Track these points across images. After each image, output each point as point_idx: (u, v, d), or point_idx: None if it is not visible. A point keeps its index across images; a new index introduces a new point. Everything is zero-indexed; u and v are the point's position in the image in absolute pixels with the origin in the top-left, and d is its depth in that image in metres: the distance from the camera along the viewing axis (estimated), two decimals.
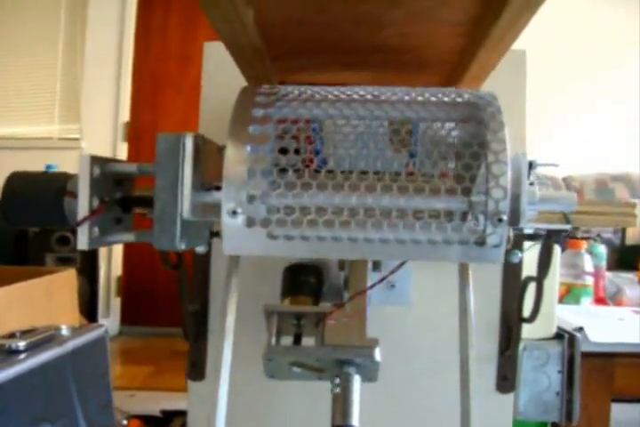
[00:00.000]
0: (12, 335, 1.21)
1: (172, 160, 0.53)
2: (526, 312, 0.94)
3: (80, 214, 0.54)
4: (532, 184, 0.54)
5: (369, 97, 0.54)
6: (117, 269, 3.53)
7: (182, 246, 0.54)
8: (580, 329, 1.87)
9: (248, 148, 0.46)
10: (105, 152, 3.51)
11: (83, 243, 0.55)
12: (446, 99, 0.54)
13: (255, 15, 0.61)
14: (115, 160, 0.59)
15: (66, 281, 2.05)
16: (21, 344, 1.19)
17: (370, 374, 0.65)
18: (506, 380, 1.07)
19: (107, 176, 0.58)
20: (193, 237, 0.57)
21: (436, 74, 0.78)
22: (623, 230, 3.22)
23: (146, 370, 2.81)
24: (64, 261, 2.98)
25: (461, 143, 0.52)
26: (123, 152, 3.54)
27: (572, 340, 1.17)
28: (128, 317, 3.53)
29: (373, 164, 0.56)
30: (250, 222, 0.46)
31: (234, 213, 0.46)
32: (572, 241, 1.93)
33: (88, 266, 3.07)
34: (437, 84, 0.78)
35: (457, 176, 0.53)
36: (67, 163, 3.32)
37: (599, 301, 2.37)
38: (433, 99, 0.54)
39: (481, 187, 0.50)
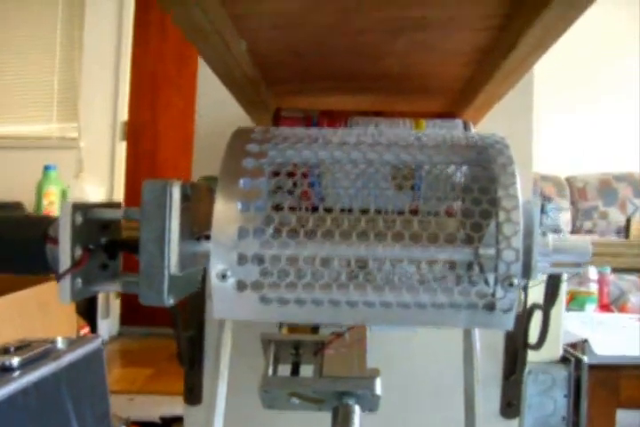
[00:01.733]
0: (5, 351, 1.18)
1: (157, 211, 0.49)
2: (532, 337, 0.91)
3: (61, 267, 0.51)
4: (543, 234, 0.51)
5: (370, 141, 0.50)
6: None
7: (171, 302, 0.50)
8: (585, 342, 1.84)
9: (239, 204, 0.43)
10: (103, 151, 3.48)
11: (65, 297, 0.51)
12: (452, 141, 0.50)
13: (248, 46, 0.58)
14: (99, 205, 0.56)
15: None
16: (15, 361, 1.16)
17: (370, 405, 0.63)
18: (511, 405, 1.05)
19: (91, 222, 0.54)
20: (183, 287, 0.54)
21: (440, 100, 0.74)
22: (627, 230, 3.19)
23: (145, 372, 2.79)
24: None
25: (468, 187, 0.49)
26: (121, 151, 3.50)
27: (578, 363, 1.13)
28: (127, 317, 3.50)
29: (374, 202, 0.53)
30: (241, 286, 0.42)
31: (223, 276, 0.42)
32: None
33: None
34: (441, 110, 0.75)
35: (462, 223, 0.50)
36: (65, 162, 3.29)
37: (603, 307, 2.35)
38: (438, 141, 0.51)
39: (489, 239, 0.47)
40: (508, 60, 0.53)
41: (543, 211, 0.57)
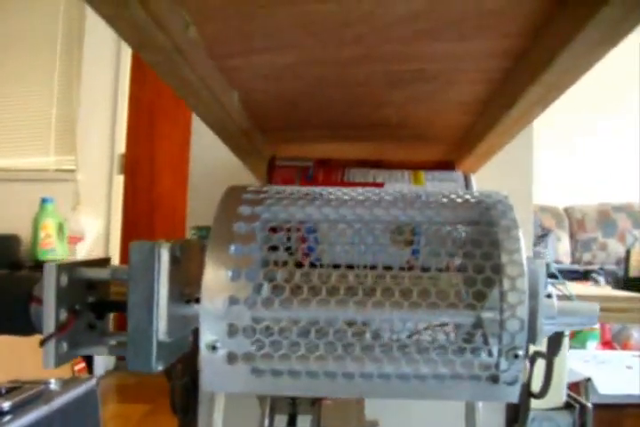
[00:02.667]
0: None
1: (145, 274, 0.47)
2: (535, 384, 0.88)
3: (45, 331, 0.49)
4: (549, 296, 0.48)
5: (368, 200, 0.49)
6: None
7: (159, 368, 0.48)
8: (588, 380, 1.80)
9: (229, 273, 0.41)
10: (101, 184, 3.47)
11: (49, 363, 0.49)
12: (453, 201, 0.49)
13: (240, 95, 0.56)
14: (86, 263, 0.54)
15: None
16: (6, 405, 1.13)
17: None
18: None
19: (77, 282, 0.52)
20: (173, 351, 0.51)
21: (439, 147, 0.72)
22: (626, 262, 3.16)
23: (142, 409, 2.73)
24: None
25: (470, 252, 0.47)
26: (119, 184, 3.50)
27: (582, 410, 1.10)
28: None
29: (373, 259, 0.51)
30: (231, 358, 0.40)
31: (213, 347, 0.40)
32: (577, 282, 1.87)
33: None
34: (441, 158, 0.73)
35: (465, 286, 0.48)
36: (62, 195, 3.27)
37: (606, 344, 2.31)
38: (438, 200, 0.49)
39: (493, 302, 0.44)
40: (508, 114, 0.51)
41: (547, 269, 0.55)
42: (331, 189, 0.50)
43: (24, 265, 2.86)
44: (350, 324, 0.46)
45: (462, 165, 0.73)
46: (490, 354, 0.42)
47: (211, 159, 1.03)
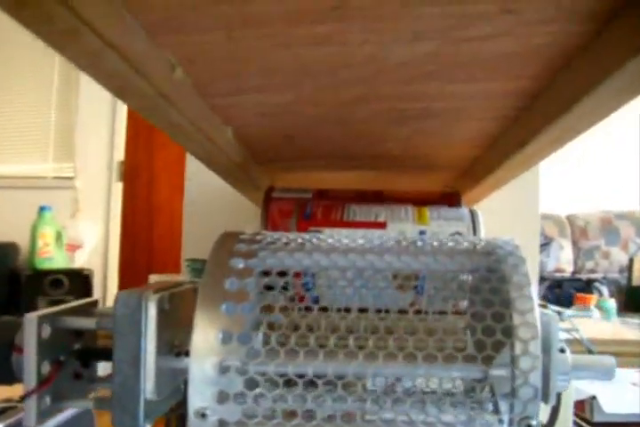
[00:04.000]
0: None
1: (132, 329, 0.44)
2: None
3: (26, 386, 0.45)
4: (562, 351, 0.45)
5: (369, 245, 0.45)
6: None
7: (147, 426, 0.45)
8: (594, 398, 1.77)
9: (220, 335, 0.38)
10: (99, 191, 3.44)
11: (30, 420, 0.46)
12: (457, 247, 0.45)
13: (235, 130, 0.53)
14: (70, 311, 0.50)
15: None
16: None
17: None
18: None
19: (60, 331, 0.49)
20: (162, 406, 0.48)
21: (444, 177, 0.69)
22: (630, 271, 3.13)
23: None
24: (57, 305, 2.86)
25: (479, 311, 0.44)
26: (117, 191, 3.46)
27: None
28: None
29: (374, 303, 0.48)
30: (222, 426, 0.37)
31: (202, 415, 0.37)
32: (579, 296, 1.84)
33: None
34: (445, 186, 0.70)
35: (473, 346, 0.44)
36: (61, 202, 3.24)
37: None
38: (442, 247, 0.45)
39: (504, 358, 0.41)
40: (521, 151, 0.48)
41: (560, 318, 0.52)
42: (330, 237, 0.47)
43: (22, 273, 2.83)
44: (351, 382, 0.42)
45: (468, 194, 0.70)
46: (497, 411, 0.39)
47: (206, 177, 0.99)
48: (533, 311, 0.39)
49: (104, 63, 0.30)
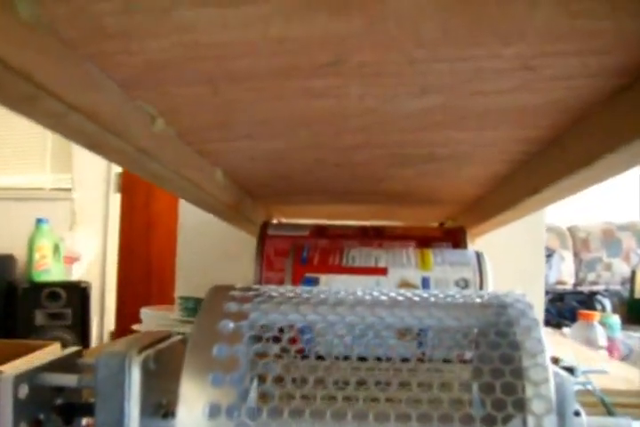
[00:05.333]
0: None
1: (114, 393, 0.41)
2: None
3: None
4: (577, 414, 0.41)
5: (369, 299, 0.42)
6: (110, 323, 3.39)
7: None
8: None
9: (206, 409, 0.34)
10: (97, 203, 3.41)
11: None
12: (464, 300, 0.42)
13: (225, 171, 0.50)
14: (50, 366, 0.47)
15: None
16: None
17: None
18: None
19: (40, 389, 0.45)
20: None
21: (447, 210, 0.65)
22: (632, 283, 3.09)
23: None
24: (54, 318, 2.84)
25: (488, 382, 0.40)
26: (115, 203, 3.43)
27: None
28: None
29: (373, 353, 0.44)
30: None
31: None
32: (583, 313, 1.80)
33: (79, 321, 2.94)
34: (448, 218, 0.66)
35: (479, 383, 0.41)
36: (59, 214, 3.21)
37: None
38: (448, 300, 0.42)
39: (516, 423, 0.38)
40: (532, 198, 0.45)
41: (574, 374, 0.48)
42: (330, 289, 0.43)
43: (19, 286, 2.79)
44: None
45: (474, 229, 0.66)
46: None
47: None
48: (548, 382, 0.35)
49: (70, 124, 0.26)
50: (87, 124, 0.27)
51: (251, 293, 0.43)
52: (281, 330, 0.42)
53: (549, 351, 0.38)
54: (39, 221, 2.93)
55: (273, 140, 0.38)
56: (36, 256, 2.90)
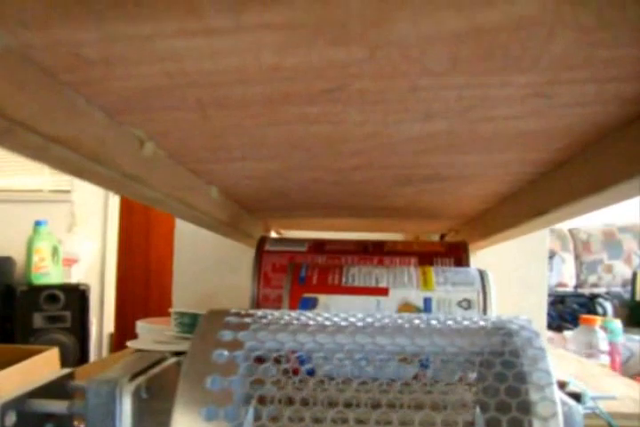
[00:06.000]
0: None
1: (105, 421, 0.40)
2: None
3: None
4: None
5: (368, 324, 0.40)
6: (109, 325, 3.37)
7: None
8: None
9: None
10: (96, 205, 3.39)
11: None
12: (467, 326, 0.40)
13: (221, 189, 0.48)
14: (39, 392, 0.45)
15: (46, 364, 1.89)
16: None
17: None
18: None
19: (29, 415, 0.44)
20: None
21: (449, 223, 0.64)
22: (633, 285, 3.07)
23: None
24: (53, 320, 2.82)
25: (491, 377, 0.38)
26: (114, 205, 3.42)
27: None
28: None
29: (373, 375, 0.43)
30: None
31: None
32: (584, 317, 1.78)
33: (78, 324, 2.92)
34: (447, 230, 0.64)
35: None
36: (57, 216, 3.19)
37: None
38: (450, 325, 0.40)
39: None
40: (538, 219, 0.43)
41: (581, 401, 0.47)
42: (328, 314, 0.42)
43: (17, 288, 2.78)
44: None
45: (476, 243, 0.64)
46: None
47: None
48: (557, 417, 0.34)
49: (52, 155, 0.24)
50: (69, 154, 0.25)
51: (246, 319, 0.41)
52: (278, 361, 0.40)
53: (556, 379, 0.36)
54: (38, 223, 2.92)
55: (268, 161, 0.36)
56: (35, 258, 2.88)
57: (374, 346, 0.41)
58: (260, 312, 0.42)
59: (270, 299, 0.60)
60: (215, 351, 0.38)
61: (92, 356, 3.13)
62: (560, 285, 3.30)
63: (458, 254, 0.61)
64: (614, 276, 3.28)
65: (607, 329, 1.96)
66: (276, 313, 0.42)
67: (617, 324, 2.10)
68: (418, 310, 0.50)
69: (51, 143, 0.23)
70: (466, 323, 0.42)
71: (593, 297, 3.17)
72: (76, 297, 2.91)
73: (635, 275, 3.11)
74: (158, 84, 0.23)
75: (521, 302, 0.85)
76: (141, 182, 0.32)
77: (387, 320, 0.42)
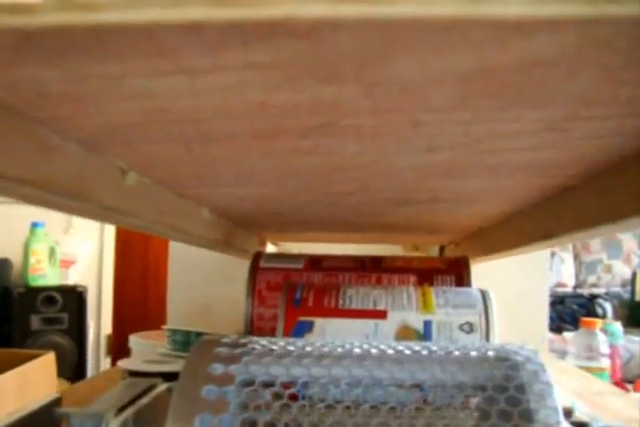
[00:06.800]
0: None
1: None
2: None
3: None
4: None
5: (366, 352, 0.38)
6: (107, 327, 3.35)
7: None
8: None
9: None
10: None
11: None
12: (468, 355, 0.38)
13: (213, 209, 0.46)
14: (23, 422, 0.44)
15: (42, 369, 1.87)
16: None
17: None
18: None
19: None
20: None
21: (449, 237, 0.62)
22: (633, 285, 3.05)
23: None
24: (50, 322, 2.80)
25: (495, 415, 0.36)
26: None
27: None
28: None
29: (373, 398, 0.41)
30: None
31: None
32: (585, 320, 1.77)
33: (76, 326, 2.90)
34: (447, 242, 0.62)
35: None
36: (54, 217, 3.16)
37: (617, 385, 2.19)
38: (451, 354, 0.38)
39: None
40: (543, 242, 0.41)
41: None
42: (325, 342, 0.40)
43: (14, 291, 2.75)
44: None
45: (475, 258, 0.62)
46: None
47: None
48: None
49: (22, 194, 0.22)
50: (42, 193, 0.23)
51: (238, 350, 0.39)
52: (274, 395, 0.38)
53: (562, 406, 0.34)
54: (34, 224, 2.89)
55: (260, 187, 0.34)
56: (32, 260, 2.86)
57: (372, 380, 0.39)
58: (252, 341, 0.40)
59: (265, 318, 0.58)
60: (205, 387, 0.36)
61: (90, 358, 3.11)
62: (559, 285, 3.29)
63: (459, 271, 0.59)
64: (614, 276, 3.26)
65: (607, 332, 1.94)
66: (270, 342, 0.40)
67: (617, 326, 2.08)
68: (417, 333, 0.48)
69: (19, 185, 0.21)
70: (467, 353, 0.40)
71: (592, 298, 3.15)
72: (74, 299, 2.89)
73: (634, 275, 3.10)
74: (135, 121, 0.21)
75: (521, 305, 0.84)
76: (124, 214, 0.30)
77: (384, 350, 0.40)
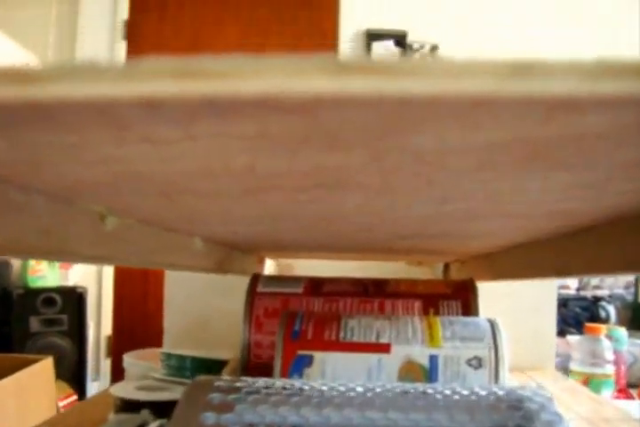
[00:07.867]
0: None
1: None
2: None
3: None
4: None
5: (369, 397, 0.35)
6: (107, 328, 3.32)
7: None
8: None
9: None
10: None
11: None
12: (477, 399, 0.36)
13: (205, 238, 0.43)
14: None
15: (40, 374, 1.85)
16: None
17: None
18: None
19: None
20: None
21: (451, 257, 0.59)
22: (636, 286, 3.02)
23: None
24: (50, 324, 2.78)
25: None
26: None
27: None
28: (119, 379, 3.30)
29: None
30: None
31: None
32: (589, 326, 1.74)
33: (76, 327, 2.87)
34: (452, 261, 0.60)
35: None
36: None
37: (621, 392, 2.16)
38: (458, 398, 0.36)
39: None
40: (549, 277, 0.38)
41: None
42: (325, 384, 0.37)
43: (14, 292, 2.73)
44: None
45: (481, 279, 0.60)
46: None
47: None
48: None
49: None
50: (7, 252, 0.20)
51: (231, 396, 0.36)
52: None
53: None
54: None
55: (253, 226, 0.32)
56: (31, 262, 2.84)
57: (371, 423, 0.36)
58: (247, 385, 0.38)
59: (263, 346, 0.55)
60: None
61: (90, 359, 3.08)
62: (562, 287, 3.26)
63: (465, 296, 0.56)
64: (617, 278, 3.23)
65: (612, 338, 1.91)
66: (266, 385, 0.38)
67: (622, 332, 2.05)
68: (423, 369, 0.45)
69: None
70: (477, 399, 0.37)
71: (596, 300, 3.12)
72: (73, 300, 2.86)
73: (638, 277, 3.07)
74: (107, 180, 0.18)
75: (529, 320, 0.81)
76: (106, 259, 0.27)
77: (387, 393, 0.37)
